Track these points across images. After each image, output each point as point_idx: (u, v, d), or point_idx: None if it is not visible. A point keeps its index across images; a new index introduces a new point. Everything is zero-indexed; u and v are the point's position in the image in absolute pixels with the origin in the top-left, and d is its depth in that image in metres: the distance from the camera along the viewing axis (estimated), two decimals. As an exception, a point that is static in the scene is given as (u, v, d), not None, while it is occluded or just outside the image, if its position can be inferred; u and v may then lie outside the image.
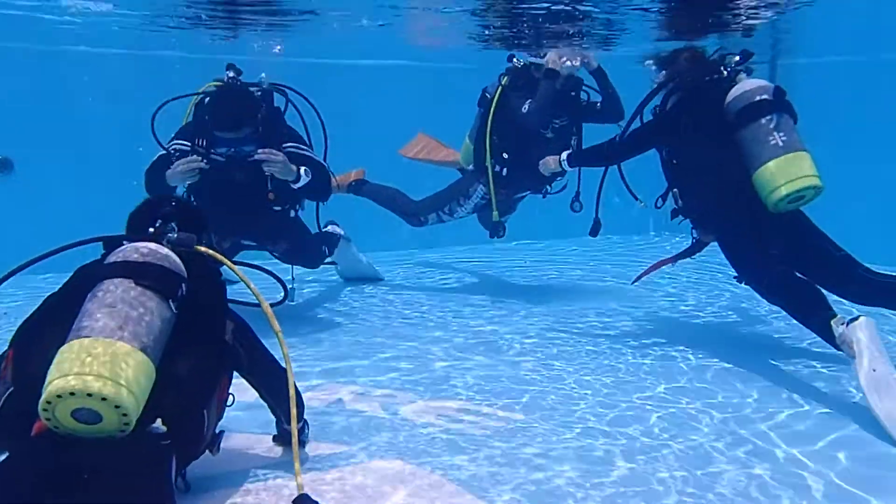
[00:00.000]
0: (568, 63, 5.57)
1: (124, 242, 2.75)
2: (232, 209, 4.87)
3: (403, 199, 6.37)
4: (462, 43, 7.53)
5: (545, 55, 5.76)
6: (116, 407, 2.32)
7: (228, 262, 2.85)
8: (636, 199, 4.87)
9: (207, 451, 2.78)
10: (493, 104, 5.76)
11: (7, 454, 2.47)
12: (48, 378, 2.33)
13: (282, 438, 3.30)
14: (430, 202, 6.25)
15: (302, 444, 3.34)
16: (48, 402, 2.31)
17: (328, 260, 5.96)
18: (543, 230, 8.48)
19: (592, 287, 6.76)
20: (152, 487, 2.45)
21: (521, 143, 5.75)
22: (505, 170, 5.84)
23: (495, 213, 5.88)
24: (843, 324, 3.75)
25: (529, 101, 5.61)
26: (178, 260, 2.71)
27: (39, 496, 2.30)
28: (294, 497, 2.69)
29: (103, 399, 2.30)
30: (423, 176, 6.77)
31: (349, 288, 6.57)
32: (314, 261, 5.74)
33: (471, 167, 6.11)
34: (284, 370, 2.96)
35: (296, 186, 4.91)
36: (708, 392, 4.11)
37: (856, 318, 3.70)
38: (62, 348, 2.38)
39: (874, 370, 3.55)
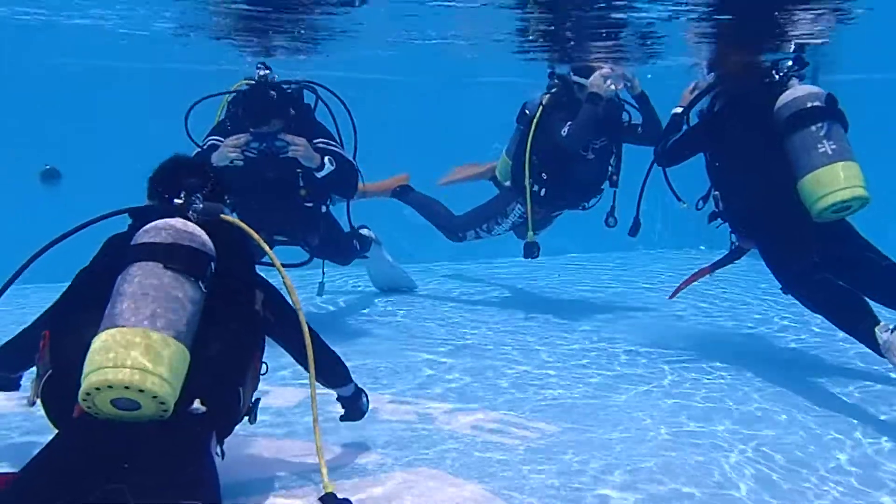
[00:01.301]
0: (612, 87, 5.51)
1: (151, 214, 2.74)
2: (265, 206, 4.92)
3: (446, 212, 6.40)
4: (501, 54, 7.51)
5: (590, 76, 5.61)
6: (154, 397, 2.35)
7: (253, 233, 2.83)
8: (678, 199, 4.84)
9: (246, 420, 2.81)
10: (534, 124, 5.71)
11: (57, 431, 2.53)
12: (85, 370, 2.36)
13: (343, 408, 3.35)
14: (469, 219, 6.27)
15: (362, 413, 3.39)
16: (87, 394, 2.35)
17: (360, 254, 5.97)
18: (583, 242, 8.45)
19: (627, 302, 6.71)
20: (195, 465, 2.48)
21: (560, 164, 5.73)
22: (543, 190, 5.83)
23: (530, 232, 5.86)
24: (887, 330, 3.71)
25: (570, 123, 5.55)
26: (205, 237, 2.68)
27: (85, 478, 2.33)
28: (321, 495, 2.70)
29: (140, 391, 2.33)
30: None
31: (382, 297, 6.59)
32: (346, 256, 5.77)
33: (507, 183, 6.11)
34: (318, 336, 3.00)
35: (319, 175, 4.96)
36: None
37: None
38: (98, 337, 2.40)
39: (919, 380, 3.53)
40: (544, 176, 5.80)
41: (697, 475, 3.26)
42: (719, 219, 4.67)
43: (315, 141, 4.98)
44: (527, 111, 5.85)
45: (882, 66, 7.49)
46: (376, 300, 6.51)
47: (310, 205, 5.19)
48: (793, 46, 5.42)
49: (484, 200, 6.30)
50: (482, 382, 4.43)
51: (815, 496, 3.13)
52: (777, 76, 4.43)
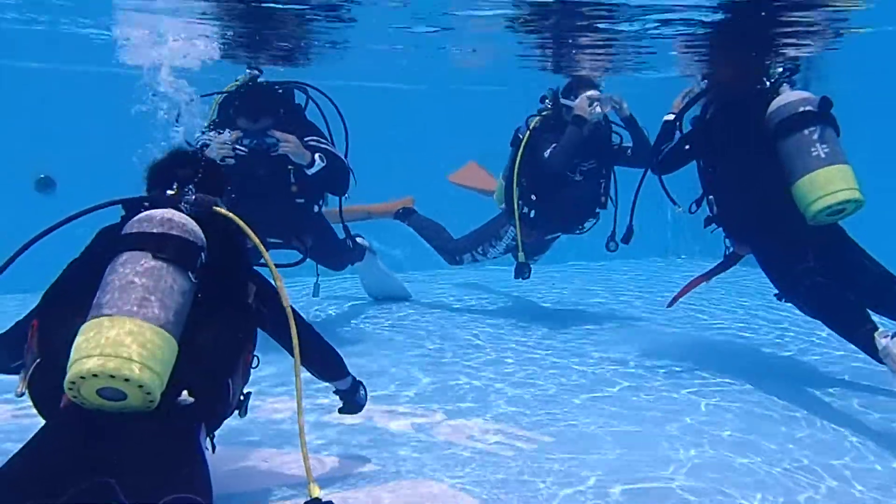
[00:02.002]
0: (598, 110, 5.53)
1: (144, 204, 2.74)
2: (257, 204, 4.88)
3: (445, 235, 6.47)
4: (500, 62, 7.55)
5: (576, 98, 5.64)
6: (140, 386, 2.33)
7: (244, 225, 2.81)
8: (674, 203, 4.84)
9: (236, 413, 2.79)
10: (522, 147, 5.76)
11: (43, 424, 2.50)
12: (71, 358, 2.34)
13: (341, 401, 3.33)
14: (466, 242, 6.35)
15: (360, 406, 3.37)
16: (72, 383, 2.32)
17: (354, 261, 6.01)
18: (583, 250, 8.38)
19: (629, 311, 6.74)
20: (184, 458, 2.46)
21: (548, 186, 5.76)
22: (533, 212, 5.86)
23: (521, 254, 5.88)
24: (886, 336, 3.70)
25: (553, 146, 5.60)
26: (196, 227, 2.67)
27: (71, 471, 2.30)
28: (307, 500, 2.68)
29: (126, 380, 2.31)
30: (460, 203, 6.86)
31: (375, 306, 6.60)
32: (339, 261, 5.77)
33: (503, 206, 6.14)
34: (312, 328, 3.00)
35: (310, 172, 4.98)
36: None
37: None
38: (84, 326, 2.39)
39: (916, 386, 3.51)
40: (534, 198, 5.85)
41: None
42: (714, 223, 4.66)
43: (305, 139, 5.02)
44: (519, 135, 5.89)
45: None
46: (369, 309, 6.51)
47: (301, 201, 5.20)
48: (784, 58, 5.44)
49: (483, 222, 6.35)
50: (478, 392, 4.43)
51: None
52: (769, 82, 4.46)
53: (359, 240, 6.08)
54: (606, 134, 5.81)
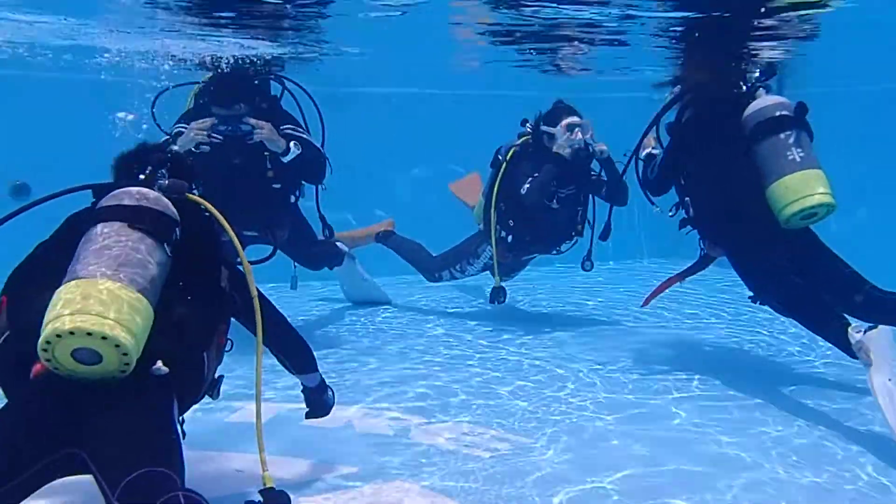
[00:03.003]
0: (577, 136, 5.59)
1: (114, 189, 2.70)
2: (232, 192, 4.86)
3: (424, 254, 6.53)
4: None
5: (556, 125, 5.70)
6: (116, 346, 2.29)
7: (217, 213, 2.80)
8: (653, 204, 4.89)
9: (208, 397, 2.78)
10: (501, 173, 5.78)
11: (7, 401, 2.46)
12: (46, 318, 2.30)
13: (306, 400, 3.32)
14: (444, 260, 6.39)
15: (328, 408, 3.36)
16: (48, 342, 2.27)
17: (332, 263, 6.03)
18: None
19: (609, 314, 6.76)
20: (157, 432, 2.43)
21: (526, 213, 5.77)
22: (510, 236, 5.89)
23: (497, 277, 5.92)
24: (859, 332, 3.79)
25: (530, 180, 5.63)
26: (170, 204, 2.66)
27: (42, 441, 2.29)
28: (261, 489, 2.68)
29: (103, 338, 2.27)
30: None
31: (355, 310, 6.61)
32: (316, 259, 5.78)
33: (480, 225, 6.17)
34: (284, 318, 3.02)
35: (285, 159, 5.00)
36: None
37: (874, 327, 3.75)
38: (59, 290, 2.35)
39: (889, 380, 3.59)
40: (511, 223, 5.87)
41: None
42: (689, 226, 4.72)
43: (281, 127, 5.03)
44: (500, 157, 5.90)
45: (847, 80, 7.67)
46: (349, 313, 6.52)
47: (277, 186, 5.20)
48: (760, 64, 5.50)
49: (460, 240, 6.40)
50: (455, 394, 4.46)
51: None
52: (745, 87, 4.52)
53: (339, 244, 6.08)
54: (587, 161, 5.81)
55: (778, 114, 4.31)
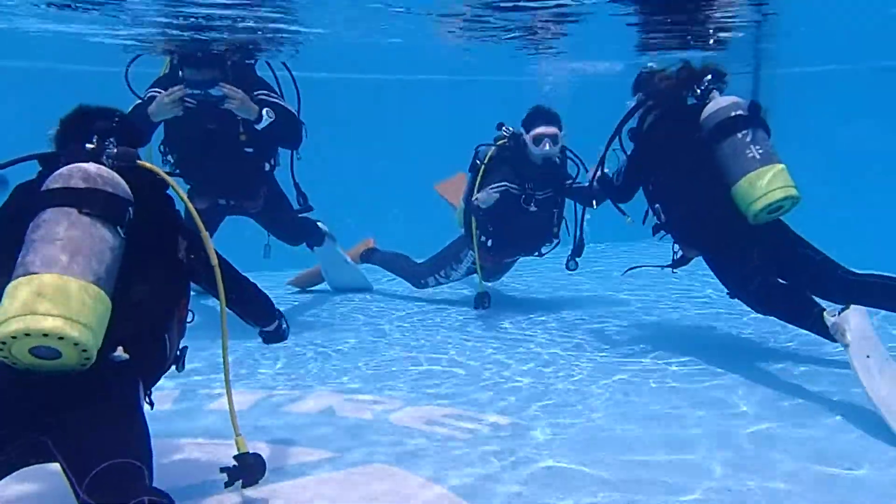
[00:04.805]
0: (546, 148, 5.70)
1: (61, 159, 2.60)
2: (206, 157, 5.01)
3: (407, 263, 6.64)
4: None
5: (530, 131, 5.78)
6: (75, 344, 2.26)
7: (170, 179, 2.76)
8: (623, 213, 5.00)
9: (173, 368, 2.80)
10: (479, 178, 5.86)
11: None
12: (0, 317, 2.26)
13: (264, 339, 3.32)
14: (428, 267, 6.50)
15: (283, 337, 3.35)
16: (3, 343, 2.25)
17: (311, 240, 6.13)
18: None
19: (597, 296, 6.84)
20: (121, 415, 2.45)
21: (504, 217, 5.84)
22: (490, 241, 5.98)
23: (481, 283, 6.04)
24: (833, 315, 3.93)
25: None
26: (121, 181, 2.56)
27: (8, 425, 2.33)
28: (235, 454, 2.75)
29: (60, 338, 2.24)
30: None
31: (336, 296, 6.67)
32: (292, 232, 5.84)
33: (462, 230, 6.25)
34: (245, 278, 3.03)
35: (259, 126, 5.02)
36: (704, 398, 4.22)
37: (846, 307, 3.88)
38: (12, 285, 2.30)
39: (868, 356, 3.71)
40: (490, 228, 5.95)
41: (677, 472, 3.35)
42: (662, 231, 4.82)
43: (255, 92, 5.06)
44: (478, 161, 5.98)
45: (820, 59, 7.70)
46: (331, 299, 6.59)
47: (250, 150, 5.22)
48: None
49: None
50: (439, 378, 4.54)
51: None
52: (699, 90, 4.63)
53: (319, 224, 6.16)
54: (562, 166, 5.93)
55: (734, 114, 4.39)
